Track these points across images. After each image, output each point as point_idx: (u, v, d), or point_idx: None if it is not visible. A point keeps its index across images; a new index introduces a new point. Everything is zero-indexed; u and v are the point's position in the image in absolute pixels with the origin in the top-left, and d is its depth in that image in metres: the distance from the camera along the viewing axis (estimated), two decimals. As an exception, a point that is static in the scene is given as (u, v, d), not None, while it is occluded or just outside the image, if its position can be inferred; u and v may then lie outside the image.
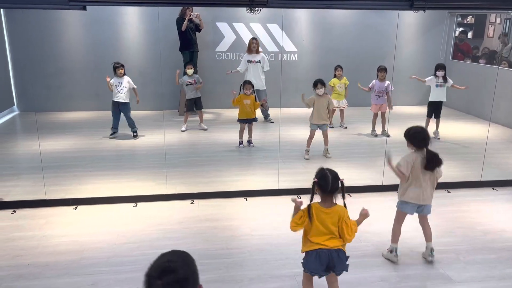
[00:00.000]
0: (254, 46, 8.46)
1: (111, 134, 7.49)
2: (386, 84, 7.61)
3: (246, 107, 6.93)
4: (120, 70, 7.30)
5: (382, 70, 7.61)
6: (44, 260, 3.87)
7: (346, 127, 8.30)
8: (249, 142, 7.13)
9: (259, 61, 8.48)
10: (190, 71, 7.87)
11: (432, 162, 3.66)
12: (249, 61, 8.44)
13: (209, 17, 9.33)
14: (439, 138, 7.59)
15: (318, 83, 6.38)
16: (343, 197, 3.02)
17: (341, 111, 8.33)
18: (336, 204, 3.03)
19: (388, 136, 7.53)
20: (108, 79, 7.28)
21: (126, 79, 7.35)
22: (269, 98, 8.61)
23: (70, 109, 9.32)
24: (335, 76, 8.18)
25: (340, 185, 3.00)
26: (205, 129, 8.02)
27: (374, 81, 7.72)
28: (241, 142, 7.09)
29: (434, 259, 3.86)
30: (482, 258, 3.99)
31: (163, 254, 1.74)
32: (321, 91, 6.36)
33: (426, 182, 3.73)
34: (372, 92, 7.72)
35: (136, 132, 7.52)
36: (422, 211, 3.84)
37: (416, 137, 3.71)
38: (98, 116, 8.82)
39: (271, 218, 4.70)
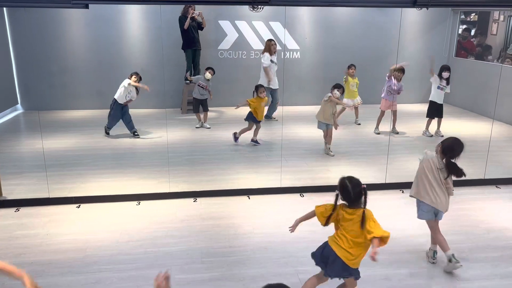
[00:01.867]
0: (274, 47, 8.45)
1: (106, 133, 7.48)
2: (401, 85, 7.63)
3: (262, 109, 6.97)
4: (134, 79, 7.25)
5: (400, 71, 7.59)
6: (47, 258, 3.88)
7: (360, 124, 8.40)
8: (255, 140, 7.17)
9: (276, 63, 8.54)
10: (209, 75, 7.85)
11: (453, 171, 3.63)
12: (272, 61, 8.44)
13: (211, 15, 9.32)
14: (442, 136, 7.58)
15: (341, 87, 6.59)
16: (365, 204, 2.97)
17: (356, 108, 8.42)
18: (360, 208, 2.98)
19: (397, 133, 7.66)
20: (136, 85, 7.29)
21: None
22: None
23: (73, 107, 9.33)
24: (348, 74, 8.20)
25: (363, 192, 2.95)
26: (208, 128, 8.03)
27: (393, 80, 7.61)
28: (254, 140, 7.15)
29: (437, 261, 3.84)
30: (485, 256, 3.98)
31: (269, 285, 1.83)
32: (337, 94, 6.49)
33: (438, 188, 3.68)
34: (389, 90, 7.63)
35: (136, 131, 7.50)
36: (436, 216, 3.79)
37: (453, 149, 3.63)
38: (101, 115, 8.80)
39: (273, 216, 4.70)
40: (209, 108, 8.23)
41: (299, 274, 3.65)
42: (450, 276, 3.67)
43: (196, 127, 8.00)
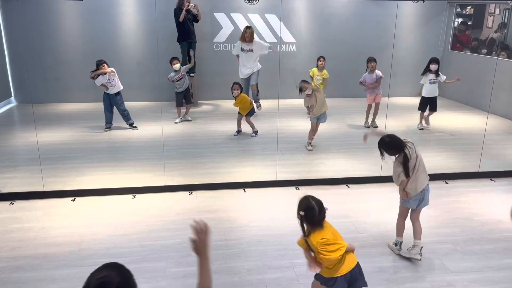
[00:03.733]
0: (247, 35, 8.23)
1: (106, 129, 7.43)
2: (375, 76, 7.55)
3: (243, 105, 7.17)
4: (103, 66, 7.15)
5: (372, 60, 7.55)
6: (42, 251, 3.87)
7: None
8: (255, 132, 7.24)
9: (251, 50, 8.25)
10: (176, 66, 7.82)
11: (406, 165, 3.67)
12: (242, 49, 8.30)
13: (206, 7, 9.25)
14: (428, 125, 7.65)
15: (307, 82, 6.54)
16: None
17: None
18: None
19: (376, 127, 7.61)
20: (92, 77, 7.19)
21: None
22: (267, 89, 8.58)
23: (67, 100, 9.27)
24: (317, 66, 8.13)
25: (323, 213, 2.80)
26: (189, 120, 8.01)
27: (364, 75, 7.66)
28: (239, 131, 7.32)
29: (421, 257, 3.74)
30: (479, 248, 4.01)
31: (98, 268, 1.85)
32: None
33: (414, 172, 3.69)
34: (365, 86, 7.67)
35: (133, 123, 7.49)
36: (424, 199, 3.75)
37: (390, 148, 3.67)
38: (96, 108, 8.76)
39: (269, 209, 4.71)
40: (205, 101, 8.20)
41: (295, 267, 3.66)
42: (444, 268, 3.70)
43: (175, 123, 7.88)
